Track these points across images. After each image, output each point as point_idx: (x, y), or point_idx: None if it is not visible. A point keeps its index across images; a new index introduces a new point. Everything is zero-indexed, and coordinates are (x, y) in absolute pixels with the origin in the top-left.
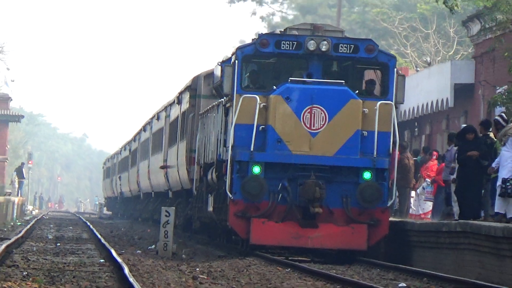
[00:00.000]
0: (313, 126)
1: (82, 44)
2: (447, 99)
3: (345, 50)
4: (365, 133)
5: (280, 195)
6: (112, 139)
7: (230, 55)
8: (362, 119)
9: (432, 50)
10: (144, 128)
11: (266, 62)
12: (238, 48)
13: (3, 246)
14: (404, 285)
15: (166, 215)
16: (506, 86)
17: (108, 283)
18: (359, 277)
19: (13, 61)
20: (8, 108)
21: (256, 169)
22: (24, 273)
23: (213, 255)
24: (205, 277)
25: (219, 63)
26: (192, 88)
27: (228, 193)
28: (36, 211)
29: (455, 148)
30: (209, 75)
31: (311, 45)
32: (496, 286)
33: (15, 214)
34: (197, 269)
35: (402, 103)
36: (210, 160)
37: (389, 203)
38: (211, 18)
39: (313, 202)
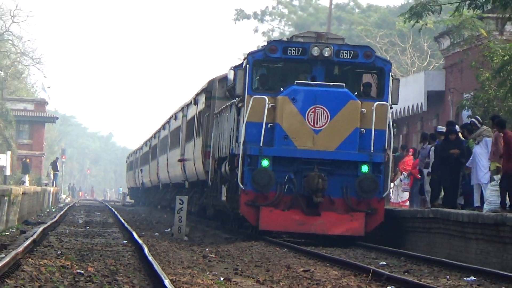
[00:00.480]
0: (316, 124)
1: (109, 53)
2: (421, 104)
3: (345, 56)
4: (363, 130)
5: (286, 186)
6: (134, 137)
7: (242, 61)
8: (360, 118)
9: (409, 62)
10: (163, 127)
11: (274, 66)
12: (249, 54)
13: (40, 229)
14: (384, 263)
15: (180, 203)
16: (472, 92)
17: (130, 261)
18: (345, 256)
19: (48, 69)
20: (45, 111)
21: (265, 163)
22: (58, 252)
23: (221, 237)
24: (214, 256)
25: (232, 68)
26: (207, 91)
27: (240, 184)
28: (69, 199)
29: (429, 146)
30: (223, 79)
31: (315, 51)
32: (462, 264)
33: (50, 202)
34: (207, 249)
35: (396, 104)
36: (224, 155)
37: (385, 194)
38: (223, 30)
39: (316, 192)
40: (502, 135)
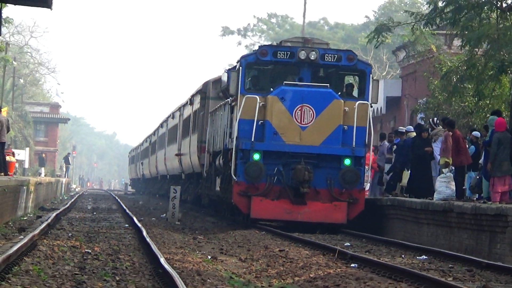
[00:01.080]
0: (303, 121)
1: (113, 61)
2: (381, 108)
3: (330, 59)
4: (346, 127)
5: (276, 177)
6: (136, 135)
7: (235, 63)
8: (343, 116)
9: None
10: (161, 125)
11: (265, 68)
12: (242, 57)
13: (54, 215)
14: (348, 244)
15: (174, 192)
16: (425, 98)
17: (131, 242)
18: (315, 238)
19: (61, 76)
20: (59, 113)
21: (256, 156)
22: (69, 234)
23: (209, 222)
24: (202, 237)
25: (226, 70)
26: (202, 92)
27: (233, 175)
28: (78, 188)
29: (387, 143)
30: (217, 81)
31: (302, 55)
32: (415, 245)
33: (63, 191)
34: (197, 232)
35: (376, 103)
36: (218, 149)
37: (365, 185)
38: (213, 41)
39: (302, 183)
40: (451, 134)
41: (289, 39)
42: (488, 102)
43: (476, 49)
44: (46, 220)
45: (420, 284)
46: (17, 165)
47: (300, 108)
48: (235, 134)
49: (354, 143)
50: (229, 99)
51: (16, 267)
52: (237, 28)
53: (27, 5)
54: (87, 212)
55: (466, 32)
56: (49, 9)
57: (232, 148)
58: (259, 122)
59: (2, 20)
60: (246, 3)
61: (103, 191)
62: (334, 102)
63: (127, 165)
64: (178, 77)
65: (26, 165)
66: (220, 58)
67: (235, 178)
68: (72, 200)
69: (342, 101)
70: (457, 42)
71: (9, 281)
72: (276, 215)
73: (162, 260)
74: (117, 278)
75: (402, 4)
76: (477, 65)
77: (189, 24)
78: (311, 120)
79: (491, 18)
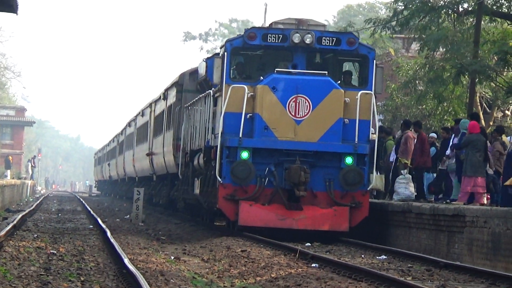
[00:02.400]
0: (298, 114)
1: (76, 65)
2: None
3: (327, 42)
4: (347, 121)
5: (267, 179)
6: (100, 138)
7: (218, 51)
8: (344, 108)
9: None
10: (129, 124)
11: (253, 54)
12: (228, 41)
13: (20, 216)
14: (309, 244)
15: (137, 194)
16: (384, 101)
17: (95, 243)
18: (276, 239)
19: (27, 80)
20: (24, 116)
21: (245, 154)
22: (34, 235)
23: (172, 223)
24: (165, 238)
25: (204, 60)
26: (179, 84)
27: (218, 177)
28: (44, 191)
29: None
30: (194, 72)
31: (296, 38)
32: (375, 245)
33: (28, 193)
34: (160, 232)
35: (381, 93)
36: (197, 147)
37: (369, 186)
38: (177, 42)
39: (298, 185)
40: (418, 134)
41: (281, 20)
42: (445, 104)
43: (434, 52)
44: (12, 222)
45: (380, 284)
46: None
47: (294, 99)
48: (220, 129)
49: (356, 139)
50: (211, 91)
51: None
52: (198, 33)
53: None
54: (52, 213)
55: (424, 36)
56: (15, 14)
57: (216, 146)
58: (248, 116)
59: None
60: (208, 8)
61: (68, 193)
62: (333, 92)
63: (92, 167)
64: (141, 81)
65: None
66: (183, 63)
67: (220, 180)
68: (38, 202)
69: (342, 90)
70: (415, 46)
71: None
72: (268, 222)
73: (126, 261)
74: (82, 279)
75: (361, 9)
76: (435, 68)
77: (153, 29)
78: (307, 113)
79: (447, 22)
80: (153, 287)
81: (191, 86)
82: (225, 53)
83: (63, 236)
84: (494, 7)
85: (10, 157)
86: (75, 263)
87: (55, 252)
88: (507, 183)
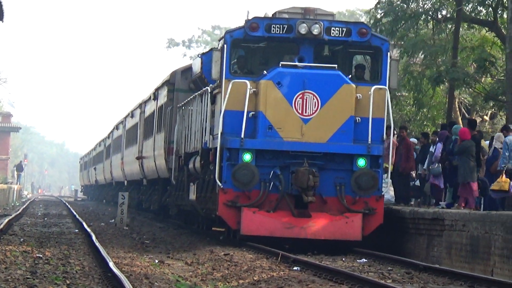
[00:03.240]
0: (305, 112)
1: (61, 71)
2: None
3: (337, 33)
4: (358, 119)
5: (272, 183)
6: (85, 143)
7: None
8: (355, 104)
9: None
10: (117, 127)
11: (256, 46)
12: (227, 32)
13: (6, 220)
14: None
15: (122, 198)
16: None
17: (81, 247)
18: (258, 243)
19: (12, 86)
20: (10, 122)
21: (247, 157)
22: (21, 239)
23: (156, 226)
24: (149, 242)
25: (199, 55)
26: (170, 83)
27: (218, 181)
28: (30, 195)
29: None
30: (186, 70)
31: (303, 29)
32: (356, 248)
33: (14, 197)
34: (144, 236)
35: (396, 88)
36: (193, 150)
37: (384, 191)
38: (158, 50)
39: (306, 190)
40: (402, 139)
41: (285, 9)
42: (425, 110)
43: (413, 58)
44: None
45: (361, 286)
46: None
47: (301, 95)
48: (219, 129)
49: (370, 139)
50: (208, 87)
51: None
52: (182, 39)
53: None
54: (38, 217)
55: (403, 42)
56: (0, 21)
57: (215, 147)
58: (250, 114)
59: None
60: (191, 15)
61: (54, 198)
62: (343, 88)
63: (78, 172)
64: (126, 88)
65: None
66: (166, 69)
67: (220, 185)
68: (24, 206)
69: (354, 86)
70: (395, 53)
71: None
72: (273, 231)
73: (111, 264)
74: (68, 282)
75: (342, 16)
76: (414, 75)
77: (138, 34)
78: (315, 111)
79: (427, 29)
80: None
81: (184, 85)
82: (225, 46)
83: (49, 240)
84: (473, 14)
85: None
86: (61, 266)
87: (41, 256)
88: (493, 187)
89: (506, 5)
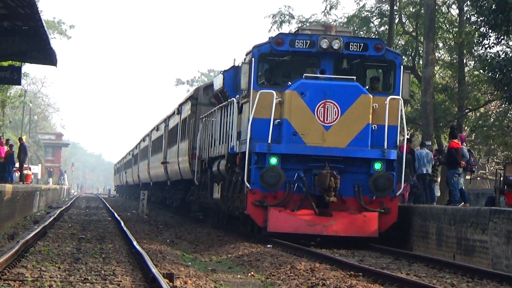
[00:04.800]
0: (326, 120)
1: (101, 95)
2: None
3: (355, 48)
4: (374, 126)
5: (296, 185)
6: (117, 154)
7: (244, 56)
8: (372, 113)
9: None
10: (143, 139)
11: (280, 60)
12: (255, 47)
13: (58, 211)
14: None
15: (142, 195)
16: None
17: (113, 230)
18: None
19: (63, 113)
20: (61, 139)
21: (273, 160)
22: (69, 225)
23: (167, 216)
24: (163, 227)
25: (222, 72)
26: (193, 98)
27: (246, 183)
28: (76, 193)
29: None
30: (207, 87)
31: (324, 44)
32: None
33: (65, 195)
34: (159, 223)
35: (407, 99)
36: (217, 154)
37: (398, 192)
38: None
39: (328, 191)
40: None
41: (307, 26)
42: None
43: None
44: (53, 215)
45: (316, 259)
46: (32, 176)
47: (322, 104)
48: (248, 135)
49: (386, 145)
50: (234, 98)
51: (32, 249)
52: (186, 79)
53: (39, 64)
54: (82, 209)
55: None
56: (55, 67)
57: (242, 152)
58: (276, 122)
59: (22, 74)
60: (194, 60)
61: (93, 195)
62: (361, 98)
63: (111, 176)
64: (147, 111)
65: (39, 177)
66: (175, 101)
67: (249, 186)
68: (71, 201)
69: (371, 96)
70: None
71: (27, 259)
72: (297, 229)
73: (135, 243)
74: (103, 256)
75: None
76: None
77: (156, 75)
78: (336, 118)
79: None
80: (154, 262)
81: (205, 100)
82: (253, 59)
83: (90, 225)
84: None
85: (52, 169)
86: (98, 244)
87: (84, 236)
88: None
89: (422, 55)
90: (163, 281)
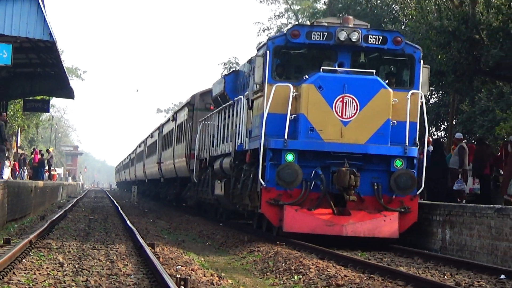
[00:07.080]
0: (345, 115)
1: (102, 115)
2: None
3: (374, 41)
4: (394, 122)
5: (313, 182)
6: (117, 159)
7: (256, 48)
8: (392, 108)
9: None
10: (139, 145)
11: (296, 52)
12: (270, 39)
13: (75, 200)
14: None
15: (133, 188)
16: None
17: (113, 212)
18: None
19: (80, 132)
20: (77, 150)
21: (290, 157)
22: (82, 209)
23: (152, 203)
24: (148, 210)
25: (223, 76)
26: (190, 104)
27: (261, 180)
28: (88, 187)
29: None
30: (203, 93)
31: (342, 36)
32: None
33: (80, 189)
34: (146, 208)
35: (426, 94)
36: (219, 153)
37: (419, 191)
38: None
39: (347, 190)
40: None
41: (323, 19)
42: None
43: None
44: (72, 203)
45: (294, 247)
46: (57, 176)
47: (341, 99)
48: (263, 130)
49: (407, 141)
50: (241, 96)
51: (56, 226)
52: (164, 108)
53: (62, 98)
54: (91, 198)
55: None
56: (73, 99)
57: (254, 149)
58: (292, 117)
59: (50, 105)
60: (172, 91)
61: (99, 189)
62: (381, 92)
63: (113, 175)
64: (141, 129)
65: (62, 176)
66: (156, 122)
67: (263, 183)
68: (84, 193)
69: (391, 90)
70: None
71: (53, 233)
72: (315, 229)
73: (128, 222)
74: (106, 231)
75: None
76: None
77: (142, 103)
78: (355, 114)
79: None
80: (141, 235)
81: (201, 106)
82: (267, 52)
83: (97, 209)
84: None
85: (70, 171)
86: (103, 223)
87: (93, 217)
88: None
89: None
90: (147, 248)
